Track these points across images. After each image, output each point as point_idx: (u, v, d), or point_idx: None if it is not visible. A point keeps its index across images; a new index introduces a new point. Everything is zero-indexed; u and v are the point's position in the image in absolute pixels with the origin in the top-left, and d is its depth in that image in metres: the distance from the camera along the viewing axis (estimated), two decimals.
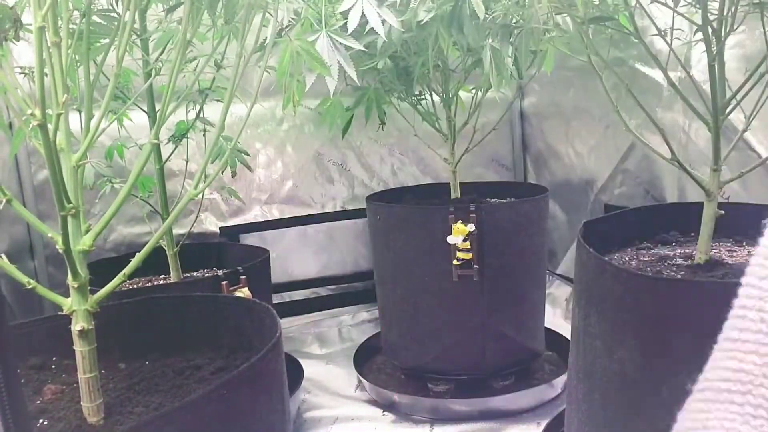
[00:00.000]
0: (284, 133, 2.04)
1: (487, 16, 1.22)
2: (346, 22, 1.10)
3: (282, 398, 0.86)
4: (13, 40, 0.83)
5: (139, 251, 0.85)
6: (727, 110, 0.99)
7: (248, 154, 1.55)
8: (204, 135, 1.49)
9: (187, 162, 1.59)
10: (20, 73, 1.10)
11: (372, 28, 1.12)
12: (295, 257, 2.09)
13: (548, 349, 1.69)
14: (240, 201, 1.90)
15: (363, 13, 1.10)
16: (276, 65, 0.99)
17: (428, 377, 1.54)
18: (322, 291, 2.14)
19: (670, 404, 0.79)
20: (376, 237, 1.59)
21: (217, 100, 1.39)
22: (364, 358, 1.75)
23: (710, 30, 0.96)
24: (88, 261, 0.82)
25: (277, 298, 2.03)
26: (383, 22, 1.12)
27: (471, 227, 1.38)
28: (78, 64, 1.05)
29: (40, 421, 0.82)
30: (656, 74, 1.59)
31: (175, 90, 0.81)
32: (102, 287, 0.82)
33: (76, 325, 0.79)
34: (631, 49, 1.65)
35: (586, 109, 1.95)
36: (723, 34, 0.96)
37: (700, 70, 1.42)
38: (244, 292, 1.29)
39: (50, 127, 0.67)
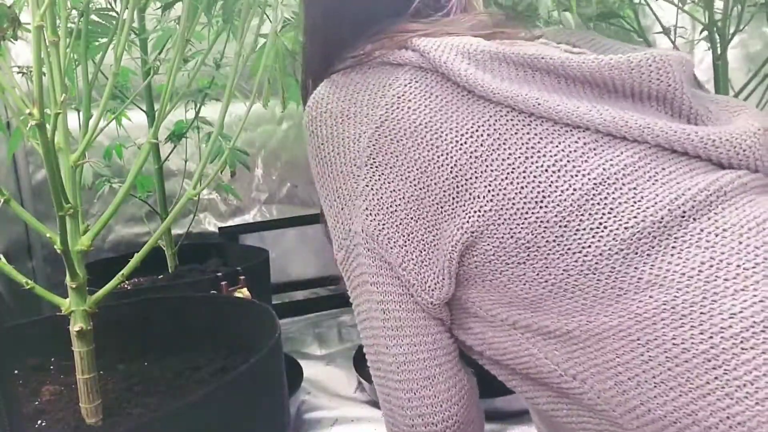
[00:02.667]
0: (284, 133, 2.04)
1: None
2: None
3: (281, 399, 0.86)
4: (11, 40, 0.82)
5: (137, 251, 0.84)
6: None
7: (247, 154, 1.54)
8: (198, 133, 1.49)
9: (186, 161, 1.59)
10: (18, 73, 1.09)
11: None
12: (295, 257, 2.09)
13: None
14: (237, 198, 1.90)
15: None
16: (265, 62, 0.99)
17: None
18: (322, 291, 2.13)
19: None
20: None
21: (217, 100, 1.39)
22: (364, 359, 1.74)
23: (715, 29, 0.95)
24: (86, 261, 0.81)
25: (277, 298, 2.03)
26: None
27: None
28: (76, 63, 1.05)
29: (39, 422, 0.81)
30: None
31: (174, 89, 0.81)
32: (101, 288, 0.81)
33: (75, 326, 0.78)
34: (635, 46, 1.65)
35: None
36: (728, 33, 0.95)
37: (702, 69, 1.42)
38: (243, 293, 1.29)
39: (48, 126, 0.66)
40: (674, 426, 0.49)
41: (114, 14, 1.09)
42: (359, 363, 1.71)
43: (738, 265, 0.51)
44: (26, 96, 0.79)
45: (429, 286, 0.61)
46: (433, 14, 0.67)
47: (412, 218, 0.61)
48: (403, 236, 0.61)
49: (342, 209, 0.66)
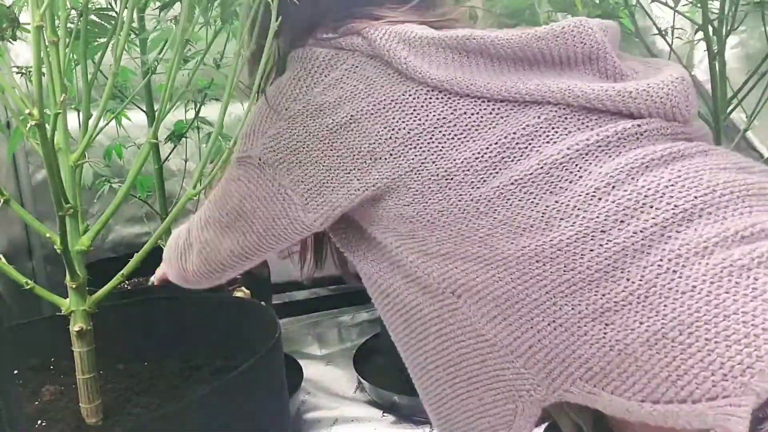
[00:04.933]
0: None
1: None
2: None
3: (281, 399, 0.86)
4: (10, 40, 0.82)
5: (137, 251, 0.84)
6: (729, 109, 0.98)
7: None
8: (198, 133, 1.49)
9: (186, 161, 1.59)
10: (17, 73, 1.09)
11: None
12: (295, 257, 2.08)
13: None
14: None
15: None
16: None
17: None
18: (322, 291, 2.13)
19: None
20: None
21: (216, 100, 1.39)
22: (364, 359, 1.74)
23: (711, 29, 0.95)
24: (86, 261, 0.81)
25: (277, 298, 2.02)
26: None
27: None
28: (75, 63, 1.05)
29: (39, 421, 0.81)
30: None
31: (174, 89, 0.81)
32: (101, 288, 0.81)
33: (75, 326, 0.78)
34: (634, 48, 1.65)
35: None
36: (724, 33, 0.95)
37: (702, 69, 1.41)
38: (243, 292, 1.28)
39: (48, 126, 0.66)
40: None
41: (113, 14, 1.09)
42: (359, 363, 1.71)
43: (607, 204, 0.56)
44: (26, 96, 0.79)
45: (312, 212, 0.69)
46: (403, 4, 0.73)
47: (311, 163, 0.69)
48: (298, 171, 0.70)
49: (253, 131, 0.73)
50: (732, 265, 0.50)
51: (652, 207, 0.54)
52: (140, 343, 0.98)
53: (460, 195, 0.62)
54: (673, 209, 0.54)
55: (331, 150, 0.68)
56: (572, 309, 0.54)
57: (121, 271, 0.81)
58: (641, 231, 0.54)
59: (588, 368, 0.53)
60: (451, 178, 0.62)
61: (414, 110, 0.65)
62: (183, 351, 0.96)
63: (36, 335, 0.98)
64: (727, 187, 0.55)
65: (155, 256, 1.39)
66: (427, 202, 0.64)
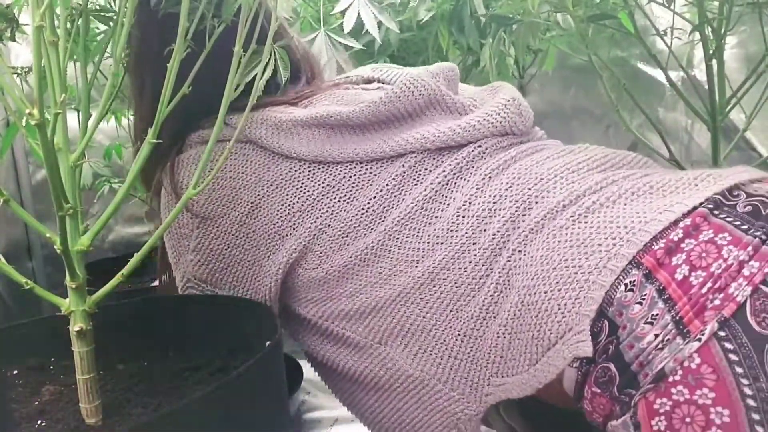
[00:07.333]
0: None
1: (484, 15, 1.21)
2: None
3: (281, 399, 0.86)
4: (9, 40, 0.82)
5: (137, 251, 0.84)
6: (726, 109, 0.99)
7: None
8: None
9: None
10: (14, 74, 1.09)
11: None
12: None
13: None
14: None
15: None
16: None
17: None
18: None
19: None
20: None
21: None
22: None
23: (710, 29, 0.96)
24: (86, 261, 0.81)
25: None
26: (380, 24, 1.12)
27: None
28: (75, 62, 1.05)
29: (38, 422, 0.81)
30: (658, 74, 1.59)
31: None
32: (101, 288, 0.81)
33: (75, 326, 0.78)
34: (634, 48, 1.65)
35: (586, 109, 1.95)
36: (721, 33, 0.95)
37: (702, 70, 1.42)
38: None
39: (48, 126, 0.66)
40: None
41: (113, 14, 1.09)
42: None
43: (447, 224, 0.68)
44: (25, 97, 0.79)
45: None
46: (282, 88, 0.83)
47: (236, 261, 0.78)
48: (230, 275, 0.80)
49: (178, 260, 0.85)
50: (554, 229, 0.59)
51: (500, 209, 0.64)
52: (140, 343, 0.98)
53: (357, 246, 0.71)
54: (514, 204, 0.64)
55: (246, 240, 0.78)
56: (468, 315, 0.62)
57: (121, 271, 0.81)
58: (497, 231, 0.63)
59: (492, 362, 0.60)
60: (347, 235, 0.72)
61: (302, 184, 0.74)
62: (183, 351, 0.96)
63: (36, 335, 0.97)
64: (551, 172, 0.65)
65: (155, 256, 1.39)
66: (331, 261, 0.73)
